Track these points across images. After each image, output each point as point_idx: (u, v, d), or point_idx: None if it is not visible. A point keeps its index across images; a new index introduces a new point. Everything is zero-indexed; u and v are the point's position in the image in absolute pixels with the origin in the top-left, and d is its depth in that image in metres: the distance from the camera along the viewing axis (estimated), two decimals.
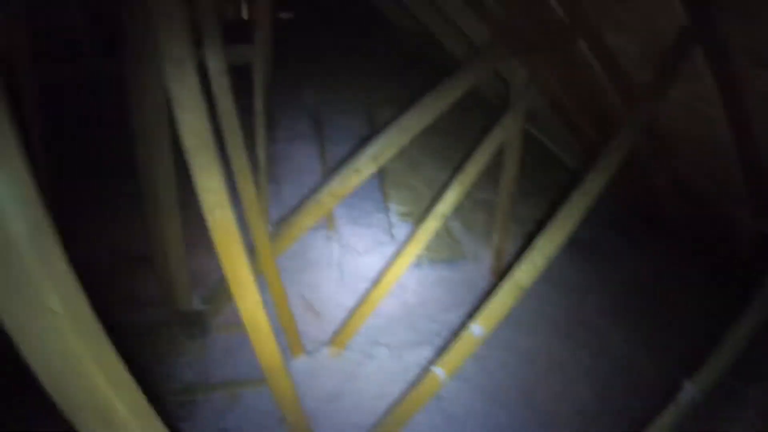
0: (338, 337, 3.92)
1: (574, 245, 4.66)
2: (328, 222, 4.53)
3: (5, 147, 0.96)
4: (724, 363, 2.88)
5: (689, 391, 2.91)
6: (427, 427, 3.45)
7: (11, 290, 1.00)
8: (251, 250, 3.22)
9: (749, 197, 3.54)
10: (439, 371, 2.92)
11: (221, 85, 2.85)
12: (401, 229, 4.64)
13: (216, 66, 2.85)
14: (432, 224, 3.68)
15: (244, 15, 9.07)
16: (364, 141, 5.05)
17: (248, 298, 2.31)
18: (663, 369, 3.78)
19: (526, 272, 2.69)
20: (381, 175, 4.83)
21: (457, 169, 4.85)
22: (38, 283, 1.02)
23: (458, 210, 3.84)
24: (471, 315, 4.15)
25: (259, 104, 3.76)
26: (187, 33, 1.87)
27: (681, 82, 3.08)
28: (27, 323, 1.04)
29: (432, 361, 3.79)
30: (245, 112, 3.16)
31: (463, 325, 4.09)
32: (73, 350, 1.09)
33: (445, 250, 4.69)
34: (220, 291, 3.76)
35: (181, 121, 1.86)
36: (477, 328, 2.91)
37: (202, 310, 3.81)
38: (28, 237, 0.99)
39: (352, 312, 4.00)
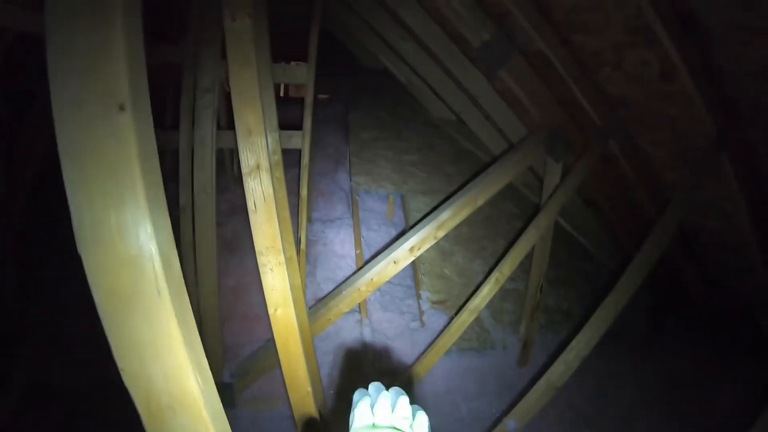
0: None
1: (608, 338, 4.76)
2: (361, 307, 4.63)
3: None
4: None
5: None
6: None
7: None
8: None
9: None
10: None
11: (278, 177, 3.04)
12: (432, 317, 4.70)
13: (274, 158, 3.04)
14: (466, 318, 3.78)
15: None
16: (396, 228, 5.26)
17: (300, 390, 2.42)
18: None
19: (561, 373, 2.78)
20: (413, 263, 4.95)
21: (487, 259, 5.00)
22: None
23: (492, 301, 3.94)
24: (498, 405, 4.23)
25: (304, 190, 3.95)
26: (265, 142, 2.07)
27: (708, 183, 3.24)
28: None
29: None
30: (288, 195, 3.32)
31: (490, 416, 4.15)
32: None
33: (474, 339, 4.74)
34: (249, 366, 3.85)
35: (255, 225, 2.03)
36: (512, 424, 2.99)
37: (232, 383, 3.90)
38: None
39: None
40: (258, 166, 2.03)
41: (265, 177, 2.03)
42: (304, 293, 4.26)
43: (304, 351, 2.50)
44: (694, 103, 2.78)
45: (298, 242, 3.96)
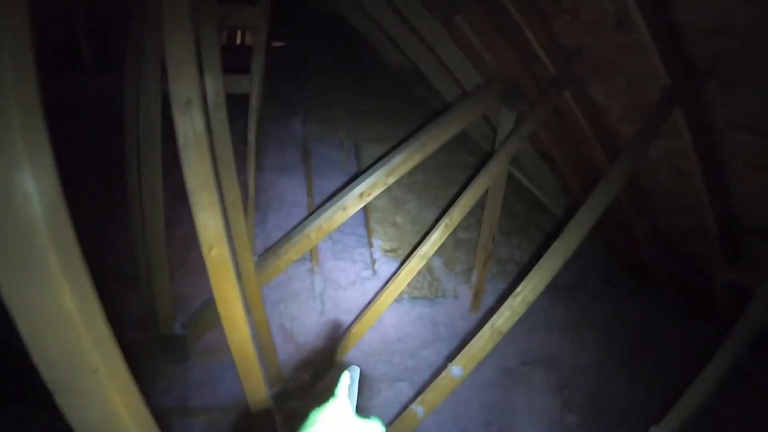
0: (321, 370, 3.96)
1: (558, 289, 4.82)
2: (312, 255, 4.58)
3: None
4: (690, 410, 2.96)
5: None
6: None
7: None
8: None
9: (722, 248, 3.68)
10: (418, 409, 2.99)
11: (220, 119, 2.90)
12: (384, 265, 4.68)
13: (215, 99, 2.89)
14: (415, 264, 3.75)
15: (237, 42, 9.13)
16: (350, 176, 5.18)
17: (239, 332, 2.35)
18: (637, 410, 3.89)
19: (506, 318, 2.77)
20: (365, 210, 4.90)
21: (440, 208, 4.97)
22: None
23: (440, 248, 3.91)
24: (449, 352, 4.27)
25: (252, 136, 3.82)
26: (196, 73, 1.95)
27: (661, 138, 3.23)
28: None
29: (410, 397, 3.89)
30: (235, 141, 3.21)
31: (441, 363, 4.18)
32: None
33: (426, 288, 4.76)
34: (201, 317, 3.77)
35: (185, 161, 1.93)
36: (457, 370, 2.99)
37: (183, 335, 3.82)
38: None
39: (332, 345, 4.05)
40: (189, 101, 1.91)
41: (197, 113, 1.92)
42: (253, 241, 4.19)
43: (243, 294, 2.44)
44: (650, 55, 2.73)
45: (246, 189, 3.85)
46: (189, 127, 1.92)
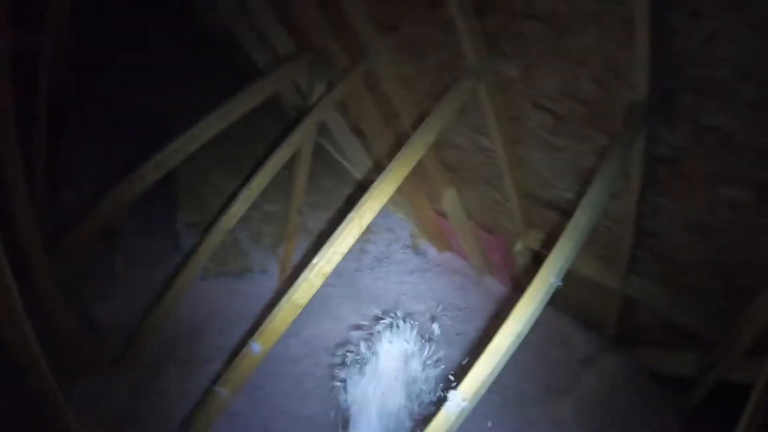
0: (127, 354, 3.73)
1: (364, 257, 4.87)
2: (113, 230, 4.23)
3: None
4: None
5: None
6: None
7: None
8: None
9: (523, 219, 3.92)
10: (221, 391, 2.87)
11: None
12: (189, 240, 4.48)
13: None
14: (215, 237, 3.58)
15: None
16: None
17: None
18: None
19: (302, 290, 2.69)
20: (171, 182, 4.61)
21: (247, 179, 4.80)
22: None
23: (247, 222, 3.78)
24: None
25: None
26: None
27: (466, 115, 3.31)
28: None
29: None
30: None
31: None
32: None
33: (233, 263, 4.63)
34: None
35: None
36: (256, 346, 2.87)
37: None
38: None
39: (140, 327, 3.78)
40: None
41: None
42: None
43: None
44: (458, 32, 2.77)
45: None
46: None
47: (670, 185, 2.78)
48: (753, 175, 2.38)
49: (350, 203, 5.36)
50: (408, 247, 5.40)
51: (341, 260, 2.73)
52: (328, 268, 2.68)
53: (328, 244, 2.67)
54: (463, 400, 1.83)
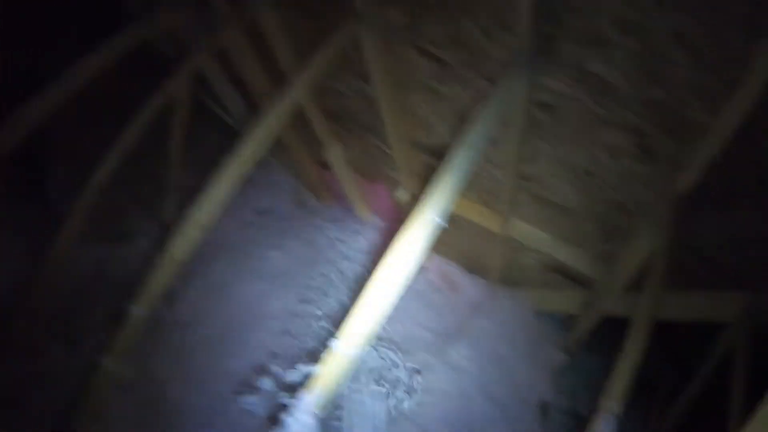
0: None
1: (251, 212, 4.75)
2: None
3: None
4: None
5: None
6: None
7: None
8: None
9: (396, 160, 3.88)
10: (108, 363, 2.83)
11: None
12: (63, 204, 4.11)
13: None
14: (89, 198, 3.35)
15: None
16: None
17: None
18: None
19: (180, 246, 2.57)
20: (41, 142, 4.25)
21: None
22: None
23: (126, 182, 3.53)
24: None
25: None
26: None
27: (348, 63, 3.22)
28: None
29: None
30: None
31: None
32: None
33: (112, 226, 4.40)
34: None
35: None
36: (138, 310, 2.76)
37: None
38: None
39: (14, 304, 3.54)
40: None
41: None
42: None
43: None
44: None
45: None
46: None
47: (551, 130, 2.84)
48: (633, 122, 2.47)
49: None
50: (292, 200, 5.31)
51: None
52: (205, 220, 2.56)
53: (203, 194, 2.55)
54: (349, 346, 1.79)
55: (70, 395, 3.25)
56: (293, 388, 3.49)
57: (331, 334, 3.79)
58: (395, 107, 3.28)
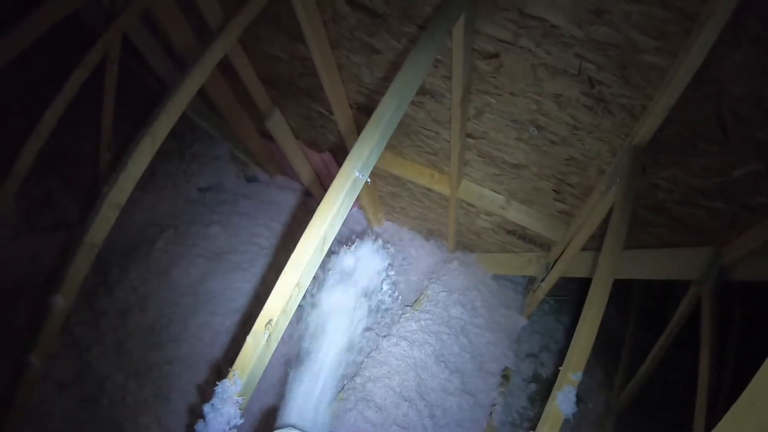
0: None
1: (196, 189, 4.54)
2: None
3: None
4: None
5: None
6: None
7: None
8: None
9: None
10: (32, 359, 2.60)
11: None
12: None
13: None
14: (12, 184, 3.10)
15: None
16: None
17: None
18: None
19: (96, 229, 2.33)
20: None
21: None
22: None
23: (58, 167, 3.30)
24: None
25: None
26: None
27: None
28: None
29: None
30: None
31: None
32: None
33: (46, 216, 4.17)
34: None
35: None
36: (57, 300, 2.52)
37: None
38: None
39: None
40: None
41: None
42: None
43: None
44: None
45: None
46: None
47: (495, 83, 2.67)
48: (582, 69, 2.31)
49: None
50: (237, 175, 5.13)
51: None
52: (122, 198, 2.32)
53: (118, 170, 2.31)
54: (268, 326, 1.61)
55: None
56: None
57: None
58: (331, 67, 3.08)
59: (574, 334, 2.09)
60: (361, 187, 1.71)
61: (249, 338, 1.61)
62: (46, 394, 3.29)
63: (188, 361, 3.43)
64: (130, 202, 2.44)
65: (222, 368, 3.49)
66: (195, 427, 1.66)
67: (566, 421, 1.88)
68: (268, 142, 4.54)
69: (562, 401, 1.88)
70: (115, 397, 3.32)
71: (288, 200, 4.77)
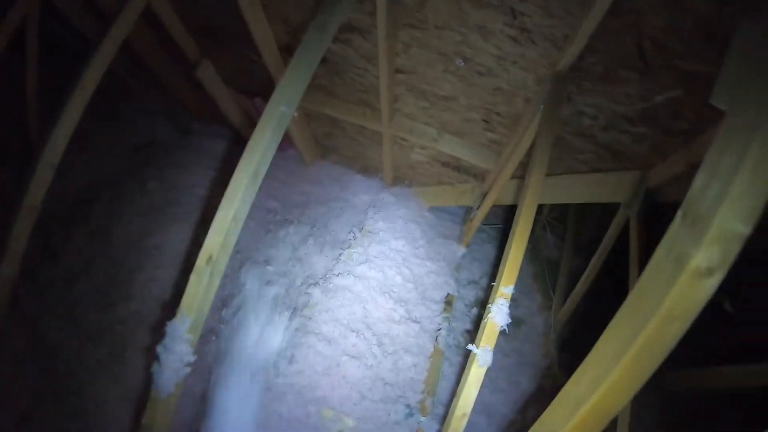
0: None
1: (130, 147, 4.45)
2: None
3: None
4: None
5: None
6: None
7: None
8: None
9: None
10: None
11: None
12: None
13: None
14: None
15: None
16: None
17: None
18: None
19: (35, 191, 2.32)
20: None
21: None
22: None
23: None
24: None
25: None
26: None
27: None
28: None
29: None
30: None
31: None
32: None
33: None
34: None
35: None
36: (2, 269, 2.52)
37: None
38: None
39: None
40: None
41: None
42: None
43: None
44: None
45: None
46: None
47: (420, 17, 2.71)
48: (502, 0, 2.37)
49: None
50: (172, 128, 5.07)
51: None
52: (56, 157, 2.31)
53: (49, 129, 2.29)
54: (208, 264, 1.67)
55: None
56: None
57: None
58: (257, 8, 3.04)
59: (504, 253, 2.21)
60: (289, 121, 1.76)
61: (192, 276, 1.68)
62: (1, 373, 3.26)
63: (140, 318, 3.42)
64: (66, 165, 2.42)
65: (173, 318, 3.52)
66: (151, 370, 1.74)
67: (505, 335, 2.01)
68: (199, 92, 4.47)
69: (497, 313, 2.01)
70: (71, 363, 3.30)
71: (222, 148, 4.68)
